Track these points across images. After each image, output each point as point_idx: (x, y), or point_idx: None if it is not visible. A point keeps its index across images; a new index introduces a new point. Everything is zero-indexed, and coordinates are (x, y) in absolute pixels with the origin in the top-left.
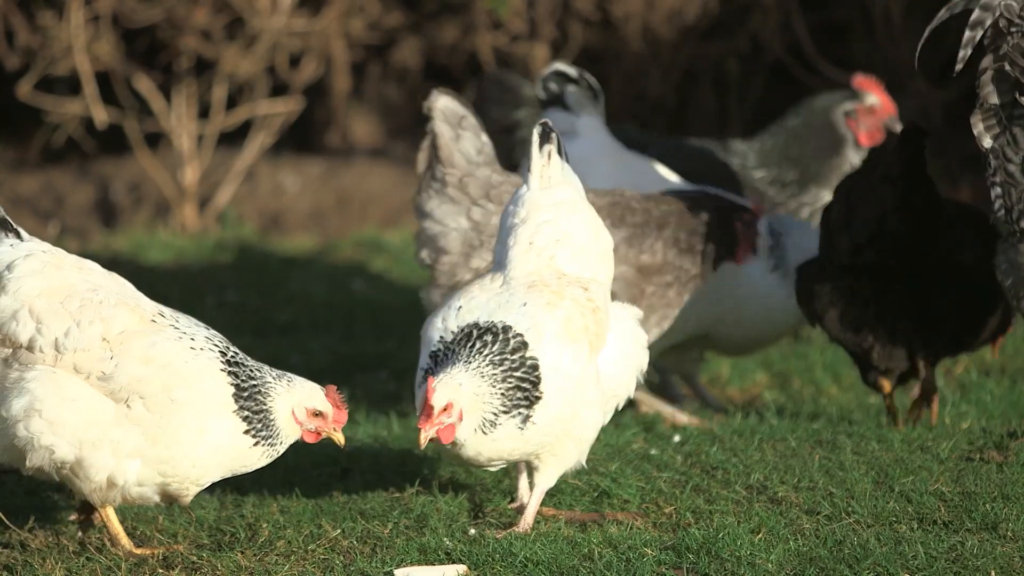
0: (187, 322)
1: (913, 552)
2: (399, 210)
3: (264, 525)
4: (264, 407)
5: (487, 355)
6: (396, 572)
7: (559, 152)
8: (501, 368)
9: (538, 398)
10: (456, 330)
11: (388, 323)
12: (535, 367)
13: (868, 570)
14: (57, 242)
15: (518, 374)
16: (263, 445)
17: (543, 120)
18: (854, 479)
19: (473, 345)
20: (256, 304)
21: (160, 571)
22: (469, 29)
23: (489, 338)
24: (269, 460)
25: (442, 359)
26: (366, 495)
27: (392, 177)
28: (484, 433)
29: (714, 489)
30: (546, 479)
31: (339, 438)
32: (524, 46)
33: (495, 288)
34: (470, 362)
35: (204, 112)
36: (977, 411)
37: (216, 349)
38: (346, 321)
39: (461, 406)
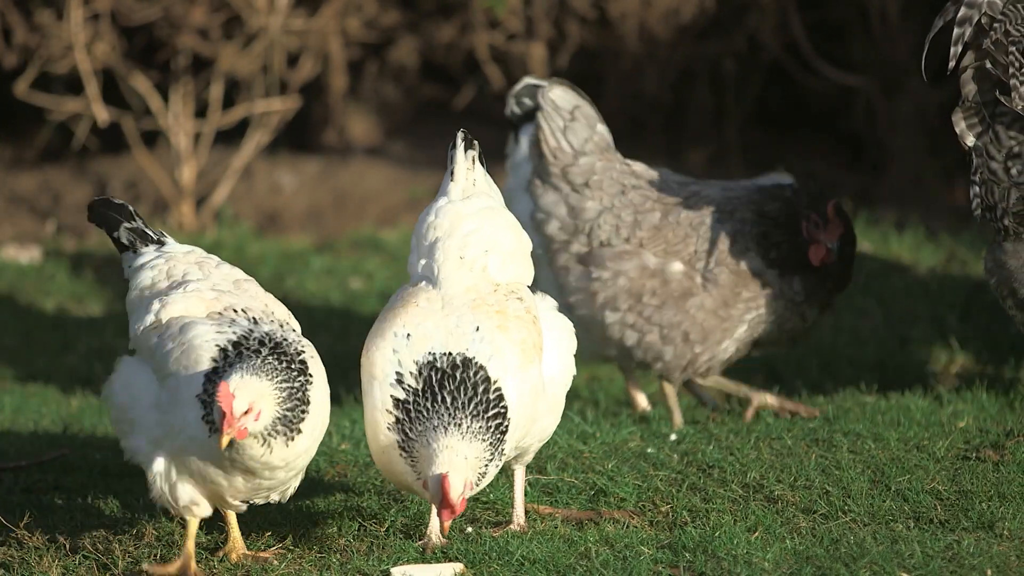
0: (260, 321)
1: (909, 551)
2: (396, 208)
3: (260, 523)
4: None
5: (469, 409)
6: (393, 571)
7: (481, 160)
8: (484, 418)
9: (507, 428)
10: (416, 370)
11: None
12: (503, 401)
13: (865, 569)
14: (53, 241)
15: (495, 417)
16: (217, 435)
17: (462, 129)
18: (850, 478)
19: (452, 400)
20: None
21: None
22: (466, 28)
23: (459, 384)
24: (237, 453)
25: (415, 416)
26: (362, 494)
27: (389, 176)
28: (477, 485)
29: (711, 488)
30: (520, 476)
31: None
32: (521, 45)
33: (436, 310)
34: (459, 424)
35: (201, 111)
36: (974, 410)
37: (239, 334)
38: (343, 320)
39: (471, 481)
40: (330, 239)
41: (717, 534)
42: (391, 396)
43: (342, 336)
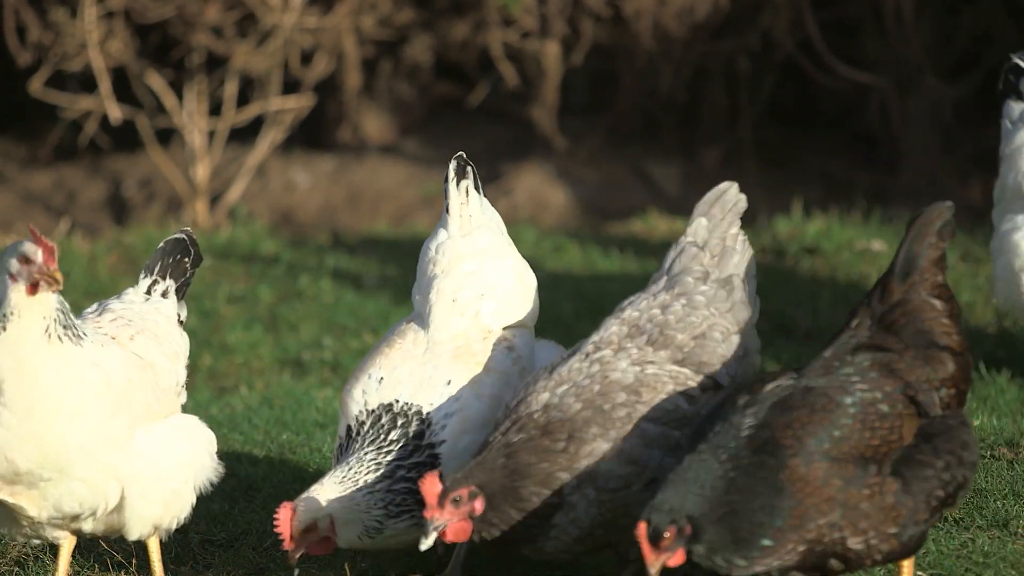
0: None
1: (924, 549)
2: (410, 206)
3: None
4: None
5: (379, 455)
6: None
7: (476, 187)
8: (398, 468)
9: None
10: (371, 410)
11: (399, 320)
12: (436, 461)
13: (880, 567)
14: (68, 238)
15: (413, 475)
16: None
17: (458, 153)
18: None
19: (369, 442)
20: (267, 300)
21: (171, 566)
22: (480, 26)
23: (394, 432)
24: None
25: (346, 447)
26: None
27: (403, 173)
28: (367, 537)
29: None
30: None
31: (57, 277)
32: (535, 43)
33: (417, 354)
34: (350, 465)
35: (216, 108)
36: (988, 408)
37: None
38: (356, 318)
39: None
40: (344, 237)
41: None
42: (345, 427)
43: (356, 335)
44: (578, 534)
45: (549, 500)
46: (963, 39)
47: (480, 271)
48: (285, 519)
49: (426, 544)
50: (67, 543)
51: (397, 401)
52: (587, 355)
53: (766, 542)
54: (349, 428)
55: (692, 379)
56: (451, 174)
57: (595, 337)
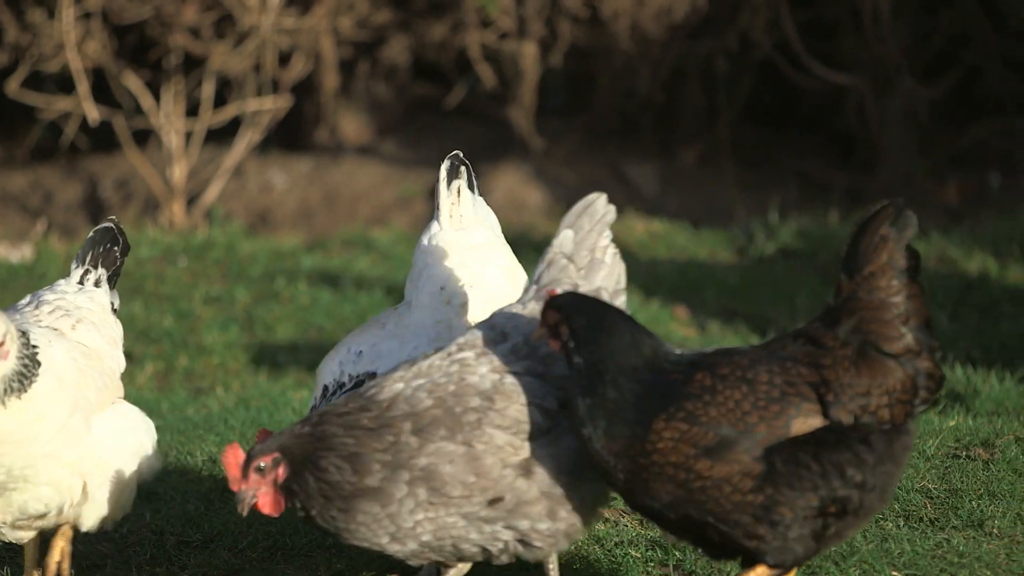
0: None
1: (899, 549)
2: (387, 207)
3: (251, 521)
4: None
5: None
6: None
7: (469, 186)
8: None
9: None
10: (348, 379)
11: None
12: None
13: (854, 567)
14: (44, 239)
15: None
16: None
17: (454, 152)
18: None
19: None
20: (243, 301)
21: (146, 568)
22: (458, 27)
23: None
24: None
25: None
26: None
27: (381, 174)
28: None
29: None
30: None
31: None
32: (513, 44)
33: (399, 334)
34: (310, 417)
35: (193, 109)
36: (964, 408)
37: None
38: (333, 319)
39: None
40: (321, 238)
41: None
42: (313, 399)
43: (332, 335)
44: (394, 531)
45: (356, 482)
46: (940, 39)
47: (470, 264)
48: (233, 458)
49: (242, 512)
50: (31, 541)
51: (374, 375)
52: (449, 354)
53: None
54: (325, 388)
55: (552, 394)
56: (443, 174)
57: (461, 339)
